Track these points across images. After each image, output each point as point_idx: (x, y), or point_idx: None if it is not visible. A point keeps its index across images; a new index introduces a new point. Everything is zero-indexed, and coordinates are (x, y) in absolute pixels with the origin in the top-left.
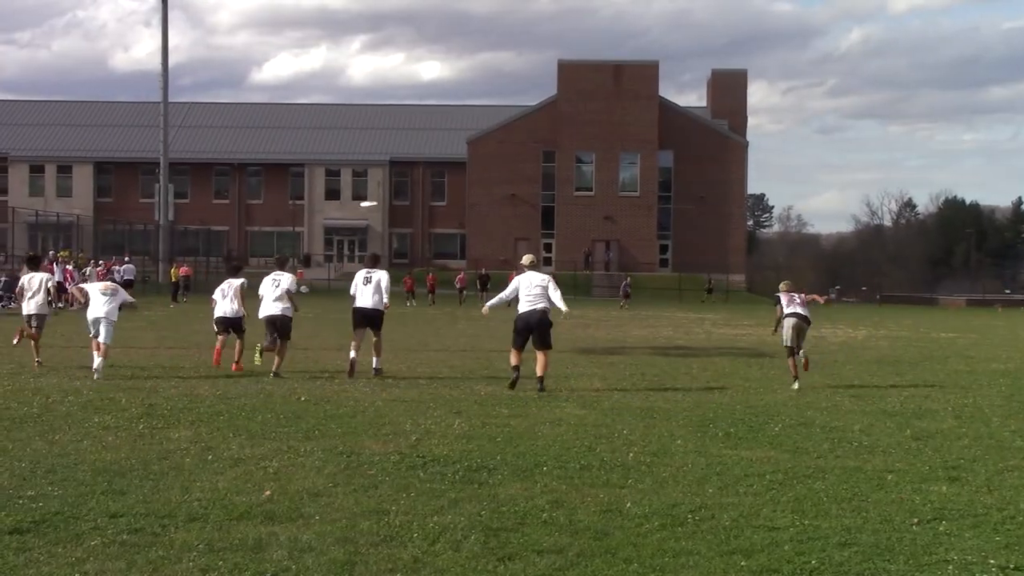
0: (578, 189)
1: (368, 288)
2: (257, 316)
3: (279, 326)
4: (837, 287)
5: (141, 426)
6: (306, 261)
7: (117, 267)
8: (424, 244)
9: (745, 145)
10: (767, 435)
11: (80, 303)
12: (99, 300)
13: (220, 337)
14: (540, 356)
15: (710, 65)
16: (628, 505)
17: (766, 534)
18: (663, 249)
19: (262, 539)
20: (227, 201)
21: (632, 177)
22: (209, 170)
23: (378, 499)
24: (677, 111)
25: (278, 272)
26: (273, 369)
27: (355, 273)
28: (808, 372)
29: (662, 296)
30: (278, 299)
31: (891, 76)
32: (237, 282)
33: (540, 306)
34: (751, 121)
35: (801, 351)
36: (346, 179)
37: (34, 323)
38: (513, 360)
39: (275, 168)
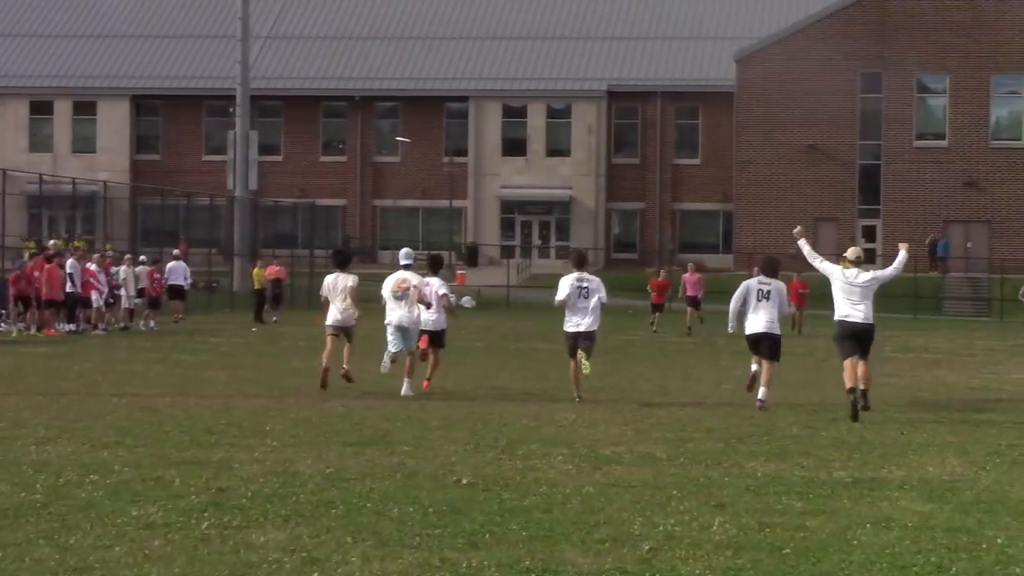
0: (921, 136)
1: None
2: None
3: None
4: None
5: (205, 524)
6: (470, 256)
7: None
8: (663, 227)
9: None
10: None
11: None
12: (392, 304)
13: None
14: (863, 367)
15: None
16: None
17: None
18: None
19: None
20: (343, 158)
21: (1014, 116)
22: (314, 108)
23: None
24: None
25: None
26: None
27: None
28: None
29: None
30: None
31: None
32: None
33: (861, 317)
34: None
35: None
36: (536, 122)
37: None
38: (847, 381)
39: (421, 104)
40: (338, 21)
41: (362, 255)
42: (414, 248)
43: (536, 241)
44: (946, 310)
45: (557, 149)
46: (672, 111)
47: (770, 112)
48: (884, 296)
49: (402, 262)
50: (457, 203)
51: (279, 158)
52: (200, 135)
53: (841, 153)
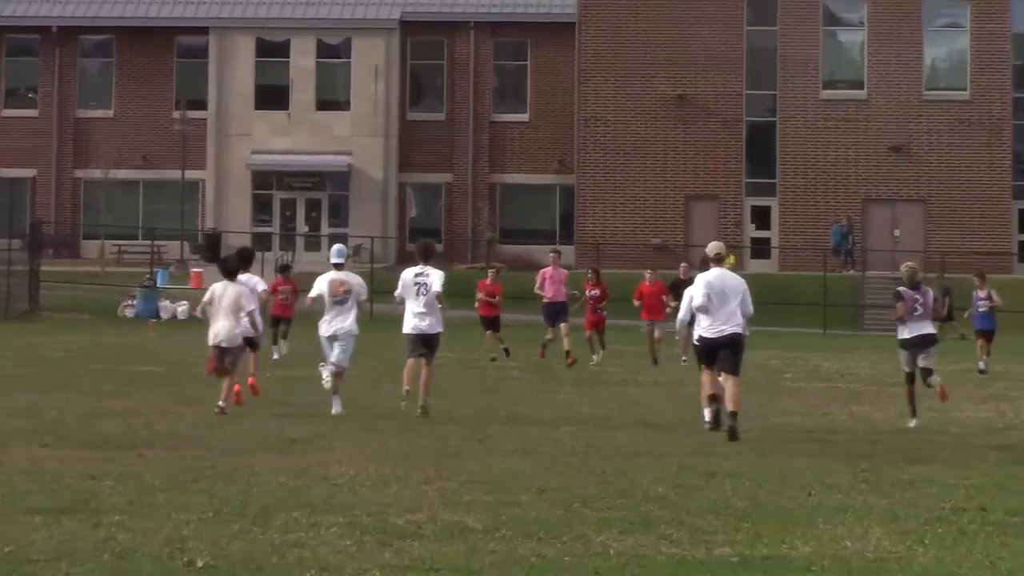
0: (828, 85)
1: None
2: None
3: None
4: None
5: None
6: (210, 247)
7: None
8: (478, 208)
9: None
10: None
11: None
12: (332, 310)
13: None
14: (730, 383)
15: None
16: None
17: None
18: None
19: None
20: (34, 112)
21: (953, 56)
22: None
23: None
24: None
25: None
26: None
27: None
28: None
29: None
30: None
31: None
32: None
33: (731, 329)
34: None
35: (932, 377)
36: (303, 63)
37: (227, 357)
38: (706, 387)
39: (142, 38)
40: None
41: (57, 246)
42: (133, 239)
43: (302, 227)
44: (866, 324)
45: (331, 100)
46: (490, 49)
47: (622, 53)
48: (785, 304)
49: (333, 260)
50: (192, 175)
51: None
52: None
53: (720, 107)
